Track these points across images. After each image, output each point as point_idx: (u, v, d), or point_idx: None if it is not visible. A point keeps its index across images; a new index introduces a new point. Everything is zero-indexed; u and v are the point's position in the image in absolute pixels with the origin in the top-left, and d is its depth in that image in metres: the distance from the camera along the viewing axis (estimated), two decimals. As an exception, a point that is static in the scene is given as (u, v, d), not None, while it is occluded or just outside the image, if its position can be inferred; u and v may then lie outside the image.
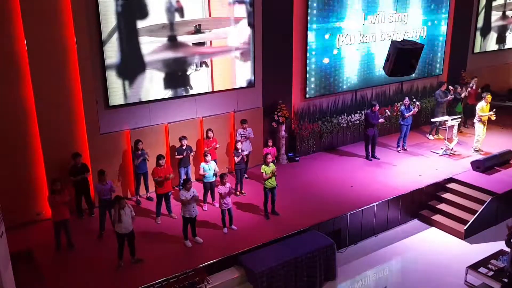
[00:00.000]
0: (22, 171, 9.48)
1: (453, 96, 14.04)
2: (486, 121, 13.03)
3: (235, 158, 10.65)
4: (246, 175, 11.56)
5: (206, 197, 10.33)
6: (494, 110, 13.03)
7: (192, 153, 10.70)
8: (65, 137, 9.71)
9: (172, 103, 10.89)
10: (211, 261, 8.40)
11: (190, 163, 10.81)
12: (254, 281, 8.24)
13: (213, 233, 9.32)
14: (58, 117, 9.55)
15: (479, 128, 13.03)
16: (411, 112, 13.16)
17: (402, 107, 13.31)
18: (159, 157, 9.56)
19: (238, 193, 10.85)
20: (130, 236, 8.26)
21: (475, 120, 13.17)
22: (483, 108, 12.92)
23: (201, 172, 9.96)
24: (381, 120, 12.69)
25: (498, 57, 18.33)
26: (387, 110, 13.29)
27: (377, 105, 12.69)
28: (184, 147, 10.48)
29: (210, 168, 9.97)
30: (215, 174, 10.21)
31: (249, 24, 11.55)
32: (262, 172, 9.63)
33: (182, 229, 8.88)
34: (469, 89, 14.86)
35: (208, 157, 9.94)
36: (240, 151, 10.65)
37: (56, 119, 9.52)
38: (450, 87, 14.10)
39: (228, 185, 9.24)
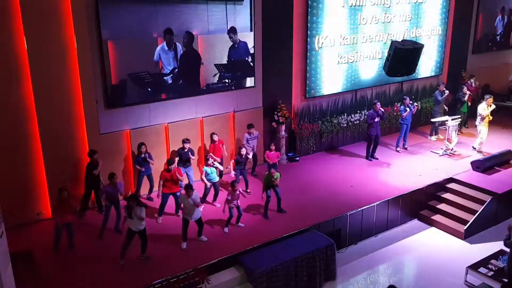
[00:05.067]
0: (22, 171, 9.48)
1: (447, 94, 13.99)
2: (487, 123, 12.99)
3: (234, 160, 10.66)
4: (255, 173, 11.68)
5: (205, 198, 10.32)
6: (494, 108, 12.99)
7: (193, 157, 10.60)
8: (65, 137, 9.72)
9: (172, 103, 10.86)
10: (211, 261, 8.40)
11: (190, 164, 10.76)
12: (254, 281, 8.24)
13: (213, 233, 9.31)
14: (58, 117, 9.55)
15: (483, 130, 12.94)
16: (408, 111, 13.15)
17: (402, 106, 13.32)
18: (170, 162, 9.57)
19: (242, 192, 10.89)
20: (141, 234, 8.30)
21: (477, 123, 13.06)
22: (484, 109, 12.87)
23: (204, 178, 10.02)
24: (377, 119, 12.57)
25: (498, 57, 18.33)
26: (382, 109, 13.29)
27: (378, 103, 12.68)
28: (186, 150, 10.45)
29: (212, 171, 10.04)
30: (221, 173, 10.30)
31: (250, 24, 11.56)
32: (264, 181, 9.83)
33: (182, 230, 8.88)
34: (467, 90, 14.76)
35: (210, 161, 9.94)
36: (243, 157, 10.60)
37: (56, 119, 9.52)
38: (446, 91, 14.03)
39: (240, 190, 9.29)
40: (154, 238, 9.15)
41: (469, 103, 14.63)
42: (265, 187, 9.83)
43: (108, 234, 9.10)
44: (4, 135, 9.11)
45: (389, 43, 11.93)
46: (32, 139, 9.46)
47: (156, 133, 10.78)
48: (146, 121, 10.67)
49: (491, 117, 12.95)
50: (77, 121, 9.82)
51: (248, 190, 10.97)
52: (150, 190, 10.66)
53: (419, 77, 15.39)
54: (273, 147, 11.24)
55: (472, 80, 15.58)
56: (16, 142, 9.30)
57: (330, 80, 13.48)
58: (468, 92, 14.43)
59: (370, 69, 14.25)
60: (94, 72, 9.74)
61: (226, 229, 9.41)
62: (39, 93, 9.25)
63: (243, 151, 10.62)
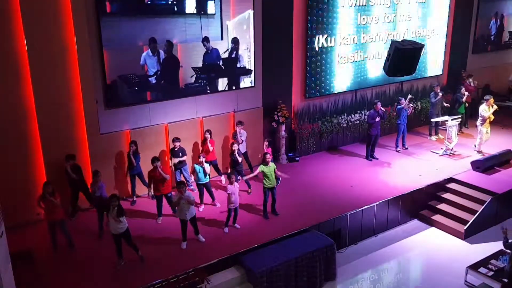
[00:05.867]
0: (22, 171, 9.49)
1: (440, 96, 14.00)
2: (489, 124, 12.99)
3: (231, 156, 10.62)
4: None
5: (202, 198, 10.30)
6: (496, 109, 13.01)
7: (184, 157, 10.55)
8: (65, 137, 9.72)
9: (172, 103, 10.88)
10: (211, 261, 8.40)
11: (186, 163, 10.76)
12: (254, 281, 8.25)
13: (214, 233, 9.32)
14: (58, 117, 9.56)
15: (483, 131, 12.96)
16: (404, 105, 13.15)
17: (399, 106, 13.34)
18: (153, 160, 9.52)
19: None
20: (124, 236, 8.26)
21: (478, 123, 13.08)
22: (485, 110, 12.87)
23: (191, 172, 9.98)
24: (377, 119, 12.56)
25: (498, 57, 18.34)
26: (382, 109, 13.28)
27: (379, 103, 12.67)
28: (176, 149, 10.44)
29: (200, 170, 9.88)
30: (208, 175, 10.21)
31: (250, 24, 11.59)
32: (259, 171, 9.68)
33: (181, 230, 8.88)
34: (466, 90, 14.72)
35: (201, 159, 9.88)
36: (236, 152, 10.61)
37: (56, 119, 9.53)
38: (439, 93, 14.07)
39: (236, 184, 9.26)
40: (154, 238, 9.18)
41: (467, 104, 14.63)
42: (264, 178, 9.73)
43: (107, 234, 9.08)
44: (4, 135, 9.11)
45: (389, 43, 11.94)
46: (32, 139, 9.46)
47: (156, 133, 10.79)
48: (146, 121, 10.67)
49: (492, 117, 12.96)
50: (77, 121, 9.82)
51: (249, 190, 10.97)
52: (149, 187, 10.57)
53: (419, 77, 15.41)
54: (266, 143, 11.27)
55: (470, 80, 15.64)
56: (16, 142, 9.31)
57: (330, 80, 13.48)
58: (466, 93, 14.43)
59: (370, 69, 14.25)
60: (94, 72, 9.74)
61: (226, 229, 9.41)
62: (39, 93, 9.25)
63: (235, 147, 10.62)
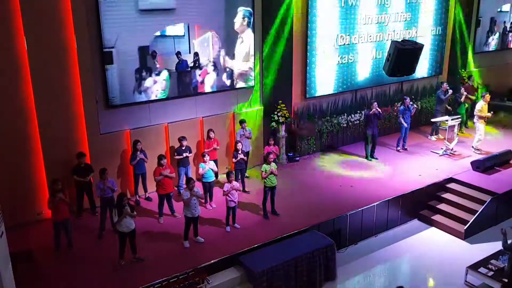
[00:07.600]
0: (22, 171, 9.48)
1: (450, 93, 14.02)
2: (485, 121, 13.03)
3: (233, 159, 10.65)
4: (246, 174, 11.56)
5: (206, 197, 10.32)
6: (492, 112, 13.07)
7: (190, 154, 10.69)
8: (65, 137, 9.72)
9: (172, 103, 10.90)
10: (211, 261, 8.40)
11: (189, 163, 10.81)
12: (254, 281, 8.24)
13: (213, 233, 9.32)
14: (58, 117, 9.55)
15: (481, 128, 13.01)
16: (407, 105, 13.17)
17: (402, 107, 13.33)
18: (161, 157, 9.57)
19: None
20: (131, 234, 8.28)
21: (475, 120, 13.15)
22: (482, 107, 12.94)
23: (200, 171, 9.98)
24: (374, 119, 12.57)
25: (498, 57, 18.34)
26: (379, 109, 13.26)
27: (375, 103, 12.66)
28: (183, 148, 10.48)
29: (211, 166, 9.98)
30: (216, 174, 10.30)
31: (249, 24, 11.62)
32: (262, 171, 9.64)
33: (184, 229, 8.87)
34: (465, 91, 14.73)
35: (206, 157, 9.94)
36: (240, 152, 10.64)
37: (56, 119, 9.52)
38: (449, 89, 14.08)
39: (234, 183, 9.28)
40: (154, 238, 9.18)
41: (467, 104, 14.62)
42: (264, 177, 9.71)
43: (107, 234, 9.10)
44: (4, 135, 9.11)
45: (389, 43, 11.95)
46: (32, 139, 9.46)
47: (156, 133, 10.79)
48: (146, 121, 10.67)
49: (489, 115, 12.99)
50: (77, 121, 9.82)
51: (246, 190, 10.97)
52: (145, 190, 10.65)
53: (419, 77, 15.40)
54: (272, 142, 11.29)
55: (470, 80, 15.63)
56: (16, 142, 9.30)
57: (330, 80, 13.48)
58: (464, 93, 14.43)
59: (370, 69, 14.25)
60: (94, 72, 9.74)
61: (228, 228, 9.42)
62: (39, 93, 9.25)
63: (239, 146, 10.64)
